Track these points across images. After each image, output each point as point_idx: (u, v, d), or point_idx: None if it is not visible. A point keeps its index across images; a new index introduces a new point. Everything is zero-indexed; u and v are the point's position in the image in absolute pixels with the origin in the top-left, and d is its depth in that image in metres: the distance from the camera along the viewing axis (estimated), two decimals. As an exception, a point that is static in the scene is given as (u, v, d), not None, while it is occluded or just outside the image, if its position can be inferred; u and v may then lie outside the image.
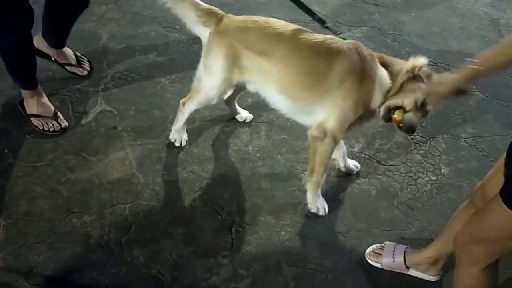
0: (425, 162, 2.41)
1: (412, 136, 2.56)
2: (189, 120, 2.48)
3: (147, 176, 2.15)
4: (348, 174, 2.29)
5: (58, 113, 2.33)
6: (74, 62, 2.61)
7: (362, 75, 1.82)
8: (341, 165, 2.26)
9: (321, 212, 2.07)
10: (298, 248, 1.93)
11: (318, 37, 1.89)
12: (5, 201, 1.96)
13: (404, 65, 1.85)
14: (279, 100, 1.98)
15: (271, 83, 1.95)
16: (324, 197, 2.17)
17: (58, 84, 2.58)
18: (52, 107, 2.33)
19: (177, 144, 2.30)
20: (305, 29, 1.95)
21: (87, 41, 2.87)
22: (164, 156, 2.27)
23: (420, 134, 2.57)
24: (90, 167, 2.15)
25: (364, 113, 1.89)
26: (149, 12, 3.33)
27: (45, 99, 2.33)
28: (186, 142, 2.32)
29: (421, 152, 2.47)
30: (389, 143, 2.50)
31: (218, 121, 2.50)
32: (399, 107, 1.82)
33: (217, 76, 2.01)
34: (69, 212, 1.94)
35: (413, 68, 1.80)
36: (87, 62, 2.66)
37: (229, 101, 2.41)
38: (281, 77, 1.90)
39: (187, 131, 2.35)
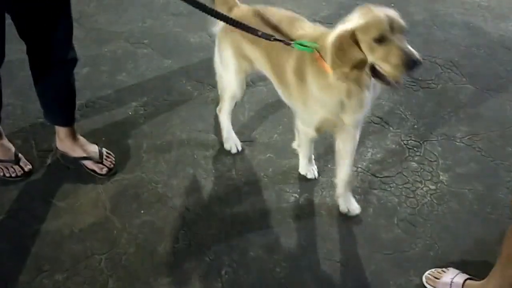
0: (421, 170, 2.25)
1: (405, 141, 2.40)
2: (165, 147, 2.30)
3: (123, 218, 1.96)
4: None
5: (20, 155, 2.12)
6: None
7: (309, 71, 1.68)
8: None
9: (309, 176, 2.15)
10: (296, 286, 1.76)
11: (296, 27, 1.75)
12: (-34, 264, 1.76)
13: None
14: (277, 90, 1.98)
15: (266, 73, 1.95)
16: (317, 220, 2.01)
17: (20, 119, 2.37)
18: (13, 149, 2.12)
19: (233, 151, 2.28)
20: (297, 17, 1.83)
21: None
22: (141, 192, 2.08)
23: (413, 138, 2.42)
24: (59, 214, 1.96)
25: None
26: (115, 27, 3.11)
27: (4, 141, 2.12)
28: (241, 146, 2.30)
29: (416, 158, 2.31)
30: (381, 151, 2.34)
31: (196, 145, 2.31)
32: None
33: (231, 67, 2.00)
34: (39, 271, 1.75)
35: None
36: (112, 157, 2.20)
37: None
38: (268, 68, 1.89)
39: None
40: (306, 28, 1.75)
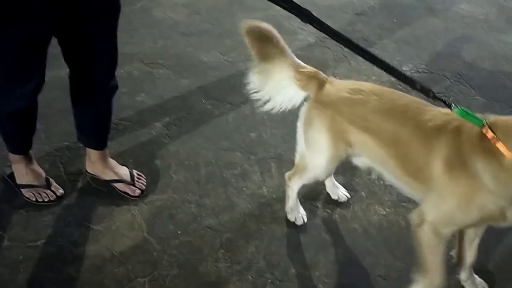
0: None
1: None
2: (193, 167, 2.31)
3: (161, 240, 1.96)
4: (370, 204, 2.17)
5: (51, 180, 2.11)
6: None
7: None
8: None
9: None
10: (341, 301, 1.78)
11: (427, 112, 1.53)
12: (8, 293, 1.73)
13: None
14: (391, 180, 1.75)
15: (379, 163, 1.72)
16: (353, 235, 2.04)
17: (45, 143, 2.35)
18: (43, 174, 2.11)
19: (299, 223, 2.03)
20: (419, 101, 1.60)
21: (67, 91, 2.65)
22: (175, 213, 2.08)
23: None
24: (97, 238, 1.94)
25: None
26: (127, 48, 3.11)
27: (35, 165, 2.11)
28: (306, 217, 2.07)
29: (439, 170, 2.37)
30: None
31: (224, 164, 2.33)
32: None
33: (323, 153, 1.76)
34: (84, 297, 1.74)
35: None
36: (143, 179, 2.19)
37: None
38: (387, 159, 1.65)
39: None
40: (438, 113, 1.53)
